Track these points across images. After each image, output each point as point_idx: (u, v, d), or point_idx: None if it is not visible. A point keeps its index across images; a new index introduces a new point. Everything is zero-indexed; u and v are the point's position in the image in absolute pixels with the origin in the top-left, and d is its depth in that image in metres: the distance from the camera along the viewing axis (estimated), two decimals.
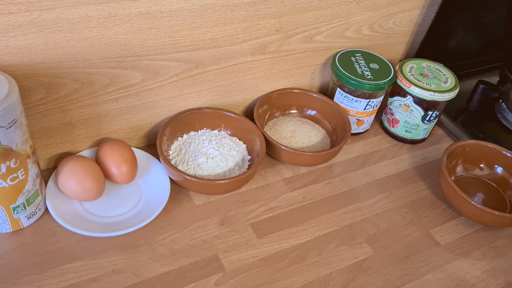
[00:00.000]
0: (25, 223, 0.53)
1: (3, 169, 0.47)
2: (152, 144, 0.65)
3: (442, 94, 0.66)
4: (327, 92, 0.72)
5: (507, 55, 0.75)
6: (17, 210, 0.51)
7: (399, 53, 0.79)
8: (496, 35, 0.83)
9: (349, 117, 0.69)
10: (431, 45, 0.76)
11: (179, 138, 0.64)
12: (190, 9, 0.54)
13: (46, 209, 0.55)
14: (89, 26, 0.50)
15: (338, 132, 0.68)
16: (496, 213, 0.57)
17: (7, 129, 0.45)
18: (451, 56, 0.81)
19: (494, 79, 0.79)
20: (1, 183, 0.48)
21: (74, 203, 0.56)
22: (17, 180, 0.49)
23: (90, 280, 0.50)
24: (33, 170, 0.51)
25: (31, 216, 0.53)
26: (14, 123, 0.45)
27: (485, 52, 0.86)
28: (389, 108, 0.71)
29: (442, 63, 0.72)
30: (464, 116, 0.78)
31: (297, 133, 0.68)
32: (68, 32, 0.49)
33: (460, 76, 0.85)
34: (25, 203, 0.51)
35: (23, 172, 0.49)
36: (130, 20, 0.52)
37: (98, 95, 0.56)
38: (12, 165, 0.47)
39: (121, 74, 0.56)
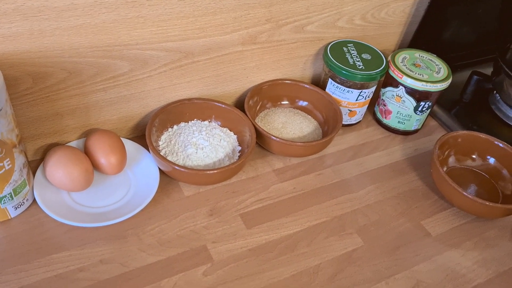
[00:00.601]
0: (12, 213, 0.53)
1: None
2: (142, 135, 0.65)
3: (435, 85, 0.65)
4: (319, 83, 0.72)
5: (501, 46, 0.75)
6: (4, 200, 0.51)
7: (392, 43, 0.78)
8: (491, 26, 0.83)
9: (341, 108, 0.68)
10: (424, 36, 0.75)
11: (169, 129, 0.63)
12: None
13: (34, 199, 0.55)
14: (75, 15, 0.49)
15: (330, 123, 0.67)
16: (488, 203, 0.57)
17: None
18: (445, 47, 0.81)
19: (488, 71, 0.78)
20: None
21: (62, 194, 0.55)
22: (3, 169, 0.48)
23: (77, 270, 0.50)
24: (19, 160, 0.50)
25: (19, 206, 0.53)
26: (1, 112, 0.45)
27: (480, 43, 0.86)
28: (382, 99, 0.71)
29: (435, 54, 0.72)
30: (458, 108, 0.78)
31: (288, 124, 0.67)
32: (54, 21, 0.49)
33: (454, 67, 0.84)
34: (12, 193, 0.51)
35: (9, 162, 0.49)
36: (116, 8, 0.51)
37: (86, 85, 0.56)
38: None
39: (109, 63, 0.55)
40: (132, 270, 0.50)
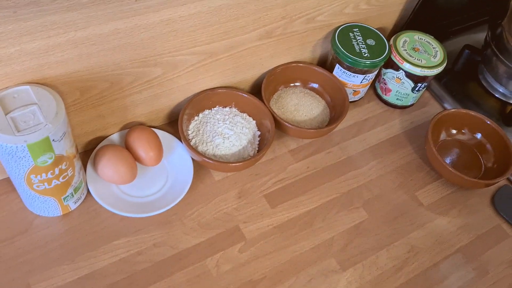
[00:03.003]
0: (72, 206, 0.62)
1: (56, 172, 0.54)
2: (171, 122, 0.72)
3: (431, 70, 0.73)
4: (326, 63, 0.78)
5: (492, 21, 0.81)
6: (67, 199, 0.59)
7: (393, 19, 0.84)
8: None
9: (346, 88, 0.76)
10: (423, 11, 0.81)
11: (196, 117, 0.71)
12: (206, 11, 0.59)
13: (88, 191, 0.63)
14: (118, 37, 0.55)
15: (337, 104, 0.75)
16: (471, 179, 0.67)
17: (59, 141, 0.51)
18: (439, 13, 0.86)
19: (482, 36, 0.84)
20: (55, 182, 0.55)
21: (111, 186, 0.64)
22: (67, 177, 0.57)
23: (136, 253, 0.60)
24: (78, 165, 0.58)
25: (77, 200, 0.62)
26: (64, 135, 0.52)
27: (474, 7, 0.91)
28: (383, 78, 0.78)
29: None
30: (449, 77, 0.85)
31: (300, 106, 0.75)
32: (99, 44, 0.54)
33: (448, 33, 0.91)
34: (73, 192, 0.60)
35: (71, 170, 0.57)
36: (153, 27, 0.56)
37: (124, 90, 0.62)
38: (63, 167, 0.55)
39: (145, 71, 0.61)
40: (181, 251, 0.61)
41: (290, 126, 0.69)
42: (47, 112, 0.50)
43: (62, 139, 0.52)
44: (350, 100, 0.79)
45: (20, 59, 0.50)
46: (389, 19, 0.83)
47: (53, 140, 0.50)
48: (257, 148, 0.70)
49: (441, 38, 0.87)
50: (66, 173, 0.56)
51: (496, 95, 0.83)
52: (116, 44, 0.55)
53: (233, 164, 0.65)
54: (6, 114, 0.49)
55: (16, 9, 0.45)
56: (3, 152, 0.50)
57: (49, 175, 0.54)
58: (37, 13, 0.47)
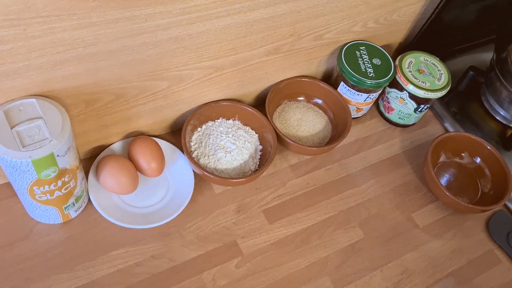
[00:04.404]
0: (73, 215, 0.62)
1: (59, 184, 0.55)
2: (174, 131, 0.73)
3: (435, 93, 0.73)
4: (331, 78, 0.79)
5: (498, 44, 0.81)
6: (68, 208, 0.60)
7: (400, 37, 0.84)
8: (492, 10, 0.88)
9: (350, 106, 0.76)
10: (431, 30, 0.81)
11: (199, 129, 0.71)
12: (215, 29, 0.59)
13: (89, 199, 0.64)
14: (125, 54, 0.55)
15: (339, 122, 0.76)
16: (466, 204, 0.68)
17: (63, 156, 0.52)
18: (445, 31, 0.86)
19: (487, 55, 0.85)
20: (57, 193, 0.56)
21: (112, 196, 0.65)
22: (69, 188, 0.57)
23: (134, 265, 0.61)
24: (80, 176, 0.59)
25: (78, 209, 0.62)
26: (69, 149, 0.52)
27: (480, 25, 0.91)
28: (386, 96, 0.79)
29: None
30: (451, 96, 0.86)
31: (302, 121, 0.75)
32: (107, 60, 0.54)
33: (455, 52, 0.91)
34: (74, 201, 0.60)
35: (74, 181, 0.57)
36: (161, 44, 0.56)
37: (129, 102, 0.62)
38: (66, 179, 0.55)
39: (151, 84, 0.61)
40: (178, 264, 0.62)
41: (292, 142, 0.70)
42: (53, 127, 0.51)
43: (66, 153, 0.52)
44: (353, 117, 0.79)
45: (28, 73, 0.50)
46: (397, 37, 0.83)
47: (58, 155, 0.51)
48: (258, 163, 0.70)
49: (447, 56, 0.88)
50: (68, 185, 0.56)
51: (497, 118, 0.83)
52: (123, 60, 0.55)
53: (234, 180, 0.66)
54: (11, 128, 0.50)
55: (27, 27, 0.45)
56: (7, 165, 0.50)
57: (52, 187, 0.54)
58: (47, 31, 0.47)
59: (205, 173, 0.65)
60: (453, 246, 0.71)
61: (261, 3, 0.59)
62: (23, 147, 0.49)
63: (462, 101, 0.86)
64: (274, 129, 0.70)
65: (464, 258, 0.70)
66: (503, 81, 0.78)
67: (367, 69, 0.73)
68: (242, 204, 0.68)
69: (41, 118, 0.51)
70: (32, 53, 0.48)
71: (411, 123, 0.80)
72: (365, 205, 0.72)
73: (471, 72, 0.83)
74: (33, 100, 0.52)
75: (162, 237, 0.63)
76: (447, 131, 0.82)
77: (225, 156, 0.68)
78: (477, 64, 0.85)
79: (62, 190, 0.56)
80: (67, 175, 0.55)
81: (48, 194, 0.55)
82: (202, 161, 0.68)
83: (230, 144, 0.69)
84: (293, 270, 0.64)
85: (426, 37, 0.81)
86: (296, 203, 0.70)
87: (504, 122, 0.83)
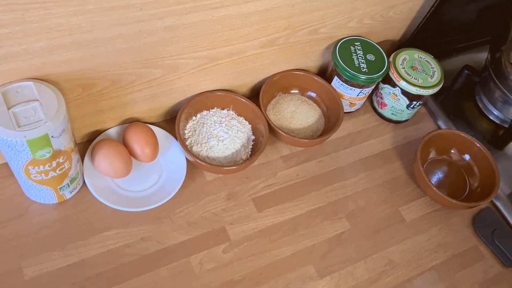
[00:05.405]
0: (68, 196, 0.65)
1: (54, 164, 0.57)
2: (169, 119, 0.75)
3: (427, 90, 0.74)
4: (326, 73, 0.80)
5: (493, 44, 0.82)
6: (63, 189, 0.62)
7: (396, 34, 0.85)
8: (489, 11, 0.88)
9: (343, 100, 0.77)
10: (427, 28, 0.82)
11: (193, 117, 0.73)
12: (209, 20, 0.60)
13: (84, 182, 0.66)
14: (121, 41, 0.56)
15: (332, 115, 0.77)
16: (453, 201, 0.70)
17: (58, 137, 0.54)
18: (443, 31, 0.86)
19: (484, 56, 0.85)
20: (52, 173, 0.58)
21: (106, 179, 0.67)
22: (64, 169, 0.59)
23: (124, 246, 0.63)
24: (75, 158, 0.61)
25: (73, 190, 0.65)
26: (63, 131, 0.54)
27: (478, 26, 0.92)
28: (380, 92, 0.80)
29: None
30: (446, 95, 0.87)
31: (296, 113, 0.77)
32: (103, 47, 0.56)
33: (451, 51, 0.92)
34: (69, 182, 0.62)
35: (68, 163, 0.59)
36: (156, 33, 0.58)
37: (125, 89, 0.64)
38: (61, 160, 0.57)
39: (146, 72, 0.63)
40: (167, 247, 0.64)
41: (284, 134, 0.71)
42: (48, 109, 0.53)
43: (61, 135, 0.54)
44: (346, 111, 0.81)
45: (25, 57, 0.52)
46: (393, 34, 0.84)
47: (52, 136, 0.53)
48: (250, 152, 0.72)
49: (444, 55, 0.88)
50: (63, 166, 0.58)
51: (491, 118, 0.84)
52: (119, 47, 0.57)
53: (225, 168, 0.68)
54: (8, 109, 0.52)
55: (24, 12, 0.47)
56: (3, 144, 0.52)
57: (47, 167, 0.57)
58: (44, 16, 0.49)
59: (197, 160, 0.67)
60: (438, 240, 0.72)
61: None
62: (19, 127, 0.51)
63: (456, 100, 0.87)
64: (267, 120, 0.72)
65: (448, 253, 0.71)
66: (497, 81, 0.79)
67: (361, 64, 0.74)
68: (232, 192, 0.70)
69: (37, 100, 0.53)
70: (30, 38, 0.50)
71: (404, 119, 0.81)
72: (353, 198, 0.73)
73: (466, 71, 0.84)
74: (31, 83, 0.54)
75: (153, 220, 0.65)
76: (440, 129, 0.83)
77: (218, 144, 0.70)
78: (474, 64, 0.86)
79: (57, 171, 0.58)
80: (62, 157, 0.57)
81: (43, 174, 0.58)
82: (195, 148, 0.70)
83: (223, 133, 0.71)
84: (278, 258, 0.66)
85: (422, 35, 0.82)
86: (285, 193, 0.72)
87: (497, 122, 0.84)
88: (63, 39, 0.52)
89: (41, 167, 0.56)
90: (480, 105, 0.86)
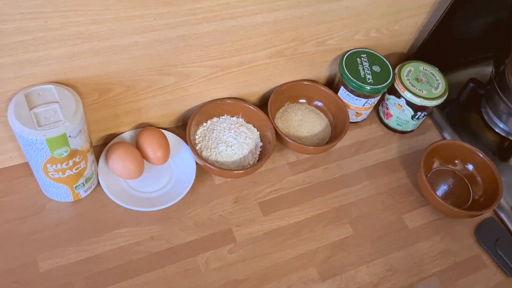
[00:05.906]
0: (83, 194, 0.68)
1: (70, 163, 0.60)
2: (180, 125, 0.78)
3: (431, 101, 0.76)
4: (333, 83, 0.83)
5: (497, 57, 0.83)
6: (78, 187, 0.66)
7: (403, 47, 0.87)
8: (496, 25, 0.90)
9: (349, 110, 0.80)
10: (434, 39, 0.84)
11: (204, 124, 0.76)
12: (220, 30, 0.64)
13: (98, 182, 0.69)
14: (136, 49, 0.60)
15: (338, 124, 0.79)
16: (456, 209, 0.71)
17: (75, 137, 0.58)
18: (451, 44, 0.88)
19: (490, 70, 0.87)
20: (69, 172, 0.62)
21: (120, 180, 0.70)
22: (80, 169, 0.63)
23: (134, 244, 0.66)
24: (91, 159, 0.64)
25: (88, 189, 0.68)
26: (80, 132, 0.58)
27: (485, 40, 0.93)
28: (386, 102, 0.82)
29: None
30: (452, 107, 0.88)
31: (303, 122, 0.79)
32: (120, 54, 0.60)
33: (458, 64, 0.94)
34: (84, 182, 0.66)
35: (84, 163, 0.63)
36: (169, 42, 0.62)
37: (139, 94, 0.68)
38: (77, 160, 0.61)
39: (159, 79, 0.67)
40: (175, 246, 0.67)
41: (291, 141, 0.74)
42: (67, 111, 0.56)
43: (78, 135, 0.58)
44: (352, 121, 0.83)
45: (47, 62, 0.56)
46: (400, 47, 0.86)
47: (70, 136, 0.56)
48: (257, 158, 0.75)
49: (451, 68, 0.90)
50: (79, 165, 0.62)
51: (496, 130, 0.86)
52: (134, 55, 0.61)
53: (234, 172, 0.70)
54: (30, 109, 0.56)
55: (47, 20, 0.51)
56: (24, 142, 0.56)
57: (64, 166, 0.60)
58: (65, 24, 0.53)
59: (207, 164, 0.70)
60: (441, 248, 0.73)
61: (264, 8, 0.64)
62: (39, 126, 0.55)
63: (462, 112, 0.89)
64: (274, 127, 0.75)
65: (450, 260, 0.72)
66: (501, 94, 0.81)
67: (367, 75, 0.77)
68: (239, 196, 0.73)
69: (57, 102, 0.57)
70: (52, 44, 0.54)
71: (409, 129, 0.83)
72: (357, 204, 0.75)
73: (471, 84, 0.86)
74: (52, 86, 0.58)
75: (162, 220, 0.68)
76: (444, 139, 0.85)
77: (226, 149, 0.73)
78: (480, 78, 0.88)
79: (73, 170, 0.62)
80: (78, 156, 0.60)
81: (60, 172, 0.61)
82: (204, 153, 0.73)
83: (232, 139, 0.74)
84: (282, 260, 0.68)
85: (428, 48, 0.84)
86: (291, 198, 0.74)
87: (503, 134, 0.85)
88: (82, 46, 0.56)
89: (59, 165, 0.60)
90: (486, 117, 0.87)
